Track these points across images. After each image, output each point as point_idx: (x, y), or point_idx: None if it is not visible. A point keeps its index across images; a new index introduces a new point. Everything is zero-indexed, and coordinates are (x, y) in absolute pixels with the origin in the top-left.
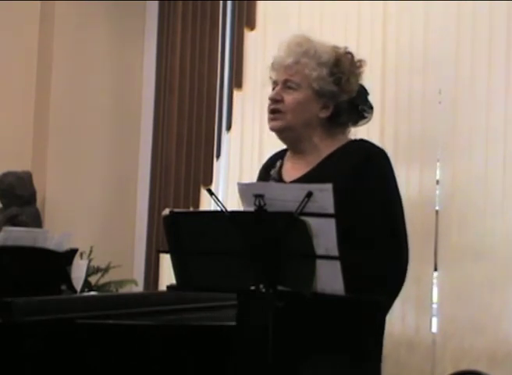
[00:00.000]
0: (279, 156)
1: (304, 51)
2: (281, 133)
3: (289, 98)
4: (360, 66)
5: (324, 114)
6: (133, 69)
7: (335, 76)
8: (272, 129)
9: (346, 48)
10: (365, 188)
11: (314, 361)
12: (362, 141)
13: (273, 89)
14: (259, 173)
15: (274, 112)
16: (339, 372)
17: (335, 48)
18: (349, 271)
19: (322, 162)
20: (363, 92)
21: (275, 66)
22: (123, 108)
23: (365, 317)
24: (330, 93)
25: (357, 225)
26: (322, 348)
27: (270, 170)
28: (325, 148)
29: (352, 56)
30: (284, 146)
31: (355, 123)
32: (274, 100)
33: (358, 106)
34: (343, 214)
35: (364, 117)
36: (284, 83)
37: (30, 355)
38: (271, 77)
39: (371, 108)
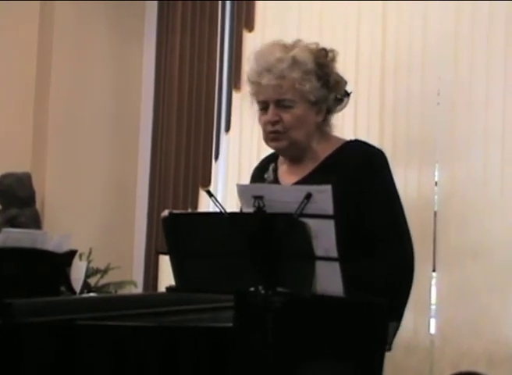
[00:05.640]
0: (271, 159)
1: (287, 65)
2: (286, 150)
3: (287, 116)
4: (334, 58)
5: (319, 118)
6: (132, 69)
7: (322, 80)
8: (277, 149)
9: (317, 44)
10: (366, 191)
11: (313, 364)
12: (359, 142)
13: (262, 109)
14: (252, 175)
15: (275, 133)
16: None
17: (310, 49)
18: (352, 277)
19: (320, 166)
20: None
21: (260, 87)
22: (122, 109)
23: (365, 320)
24: (323, 97)
25: (359, 227)
26: (321, 351)
27: (263, 173)
28: (322, 150)
29: (326, 52)
30: None
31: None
32: (272, 122)
33: (337, 96)
34: (343, 215)
35: (342, 101)
36: (277, 103)
37: (29, 357)
38: (253, 94)
39: (347, 93)
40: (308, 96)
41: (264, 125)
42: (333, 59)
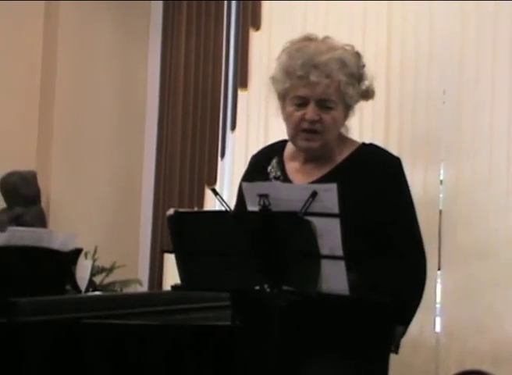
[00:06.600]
0: (274, 152)
1: (337, 66)
2: (316, 151)
3: (328, 117)
4: (363, 62)
5: (345, 121)
6: (137, 68)
7: (359, 85)
8: (309, 149)
9: (352, 46)
10: (384, 196)
11: (316, 362)
12: (375, 146)
13: (298, 104)
14: (250, 163)
15: (310, 132)
16: (341, 373)
17: (350, 52)
18: (364, 277)
19: (338, 167)
20: None
21: (304, 81)
22: (128, 108)
23: (368, 319)
24: (357, 103)
25: (372, 229)
26: (325, 349)
27: (265, 165)
28: (339, 152)
29: (359, 55)
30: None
31: None
32: (311, 121)
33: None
34: (357, 216)
35: None
36: (319, 102)
37: (34, 355)
38: (289, 88)
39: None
40: (348, 100)
41: (300, 121)
42: (364, 64)
